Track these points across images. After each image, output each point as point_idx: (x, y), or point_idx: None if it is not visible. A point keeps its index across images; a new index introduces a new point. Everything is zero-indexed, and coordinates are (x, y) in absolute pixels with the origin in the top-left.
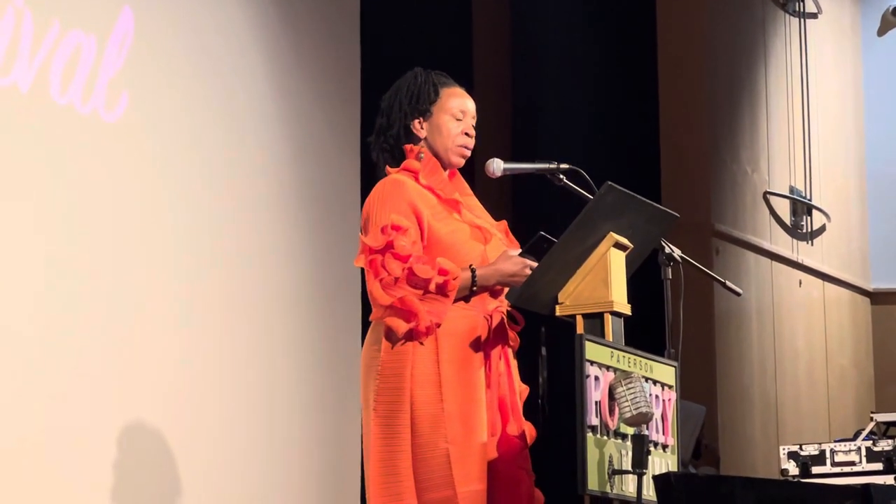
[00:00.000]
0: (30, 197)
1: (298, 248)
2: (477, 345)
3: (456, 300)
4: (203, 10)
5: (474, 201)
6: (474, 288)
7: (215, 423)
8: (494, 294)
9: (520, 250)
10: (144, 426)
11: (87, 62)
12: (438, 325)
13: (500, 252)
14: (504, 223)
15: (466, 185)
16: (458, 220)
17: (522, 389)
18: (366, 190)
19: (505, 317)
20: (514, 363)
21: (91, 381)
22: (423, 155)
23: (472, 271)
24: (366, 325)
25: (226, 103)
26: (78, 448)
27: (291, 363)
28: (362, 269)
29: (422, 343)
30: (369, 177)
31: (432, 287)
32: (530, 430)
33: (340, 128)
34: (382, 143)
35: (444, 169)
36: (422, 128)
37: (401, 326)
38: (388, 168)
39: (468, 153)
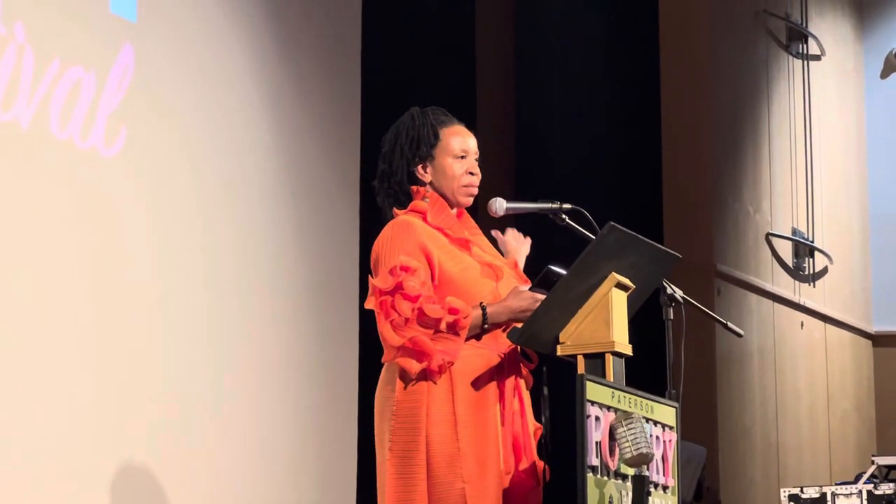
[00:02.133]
0: (29, 231)
1: (297, 277)
2: (491, 383)
3: (468, 338)
4: (203, 46)
5: (483, 239)
6: (486, 325)
7: (212, 430)
8: (506, 330)
9: (529, 286)
10: (141, 435)
11: (87, 98)
12: (451, 364)
13: (511, 288)
14: (513, 260)
15: (475, 224)
16: (468, 258)
17: (536, 427)
18: (365, 224)
19: (519, 354)
20: (527, 401)
21: (92, 392)
22: (427, 199)
23: (483, 309)
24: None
25: (225, 139)
26: (72, 451)
27: (290, 376)
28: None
29: (435, 382)
30: (368, 210)
31: (443, 326)
32: (540, 468)
33: (340, 162)
34: (387, 189)
35: (452, 208)
36: (426, 172)
37: (413, 366)
38: (395, 210)
39: (475, 192)
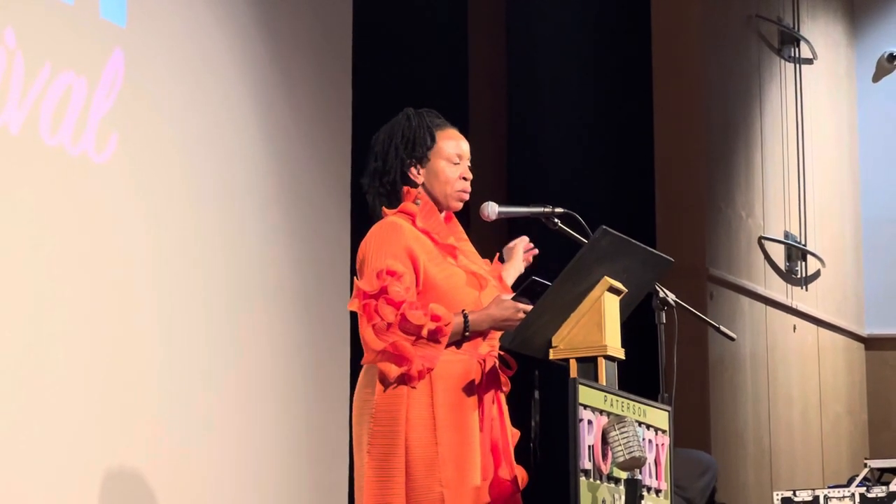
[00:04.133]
0: (19, 238)
1: (288, 281)
2: (471, 389)
3: (448, 345)
4: (194, 52)
5: (469, 246)
6: (466, 333)
7: (203, 434)
8: (486, 338)
9: (512, 295)
10: (131, 438)
11: (78, 103)
12: (430, 370)
13: (493, 297)
14: (498, 267)
15: (462, 230)
16: (454, 266)
17: (514, 433)
18: (356, 228)
19: (497, 361)
20: (505, 408)
21: (81, 396)
22: (419, 201)
23: (465, 316)
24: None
25: (216, 144)
26: (61, 454)
27: (281, 380)
28: (352, 289)
29: (414, 387)
30: (359, 214)
31: (424, 333)
32: (521, 474)
33: (332, 166)
34: (378, 188)
35: (441, 212)
36: (419, 173)
37: (392, 371)
38: (384, 210)
39: (467, 197)
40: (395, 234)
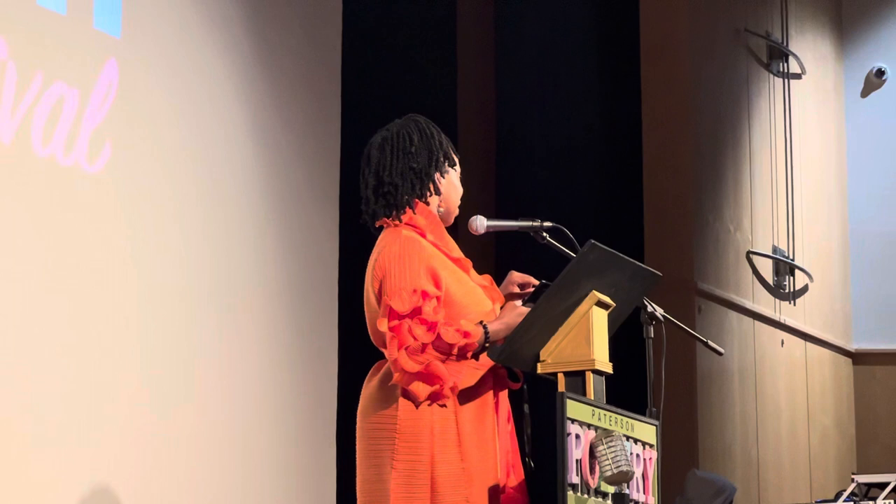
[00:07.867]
0: (9, 248)
1: (278, 289)
2: (489, 401)
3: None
4: (186, 61)
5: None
6: (487, 344)
7: (192, 435)
8: None
9: (521, 301)
10: (117, 439)
11: (70, 114)
12: (457, 385)
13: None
14: (487, 277)
15: (454, 242)
16: (470, 281)
17: None
18: (344, 235)
19: (507, 373)
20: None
21: (71, 398)
22: (442, 209)
23: (485, 328)
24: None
25: (207, 155)
26: (47, 454)
27: (270, 384)
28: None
29: (445, 405)
30: (348, 218)
31: (455, 351)
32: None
33: (320, 174)
34: (411, 185)
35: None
36: (440, 183)
37: (423, 391)
38: (389, 221)
39: None
40: (417, 251)
